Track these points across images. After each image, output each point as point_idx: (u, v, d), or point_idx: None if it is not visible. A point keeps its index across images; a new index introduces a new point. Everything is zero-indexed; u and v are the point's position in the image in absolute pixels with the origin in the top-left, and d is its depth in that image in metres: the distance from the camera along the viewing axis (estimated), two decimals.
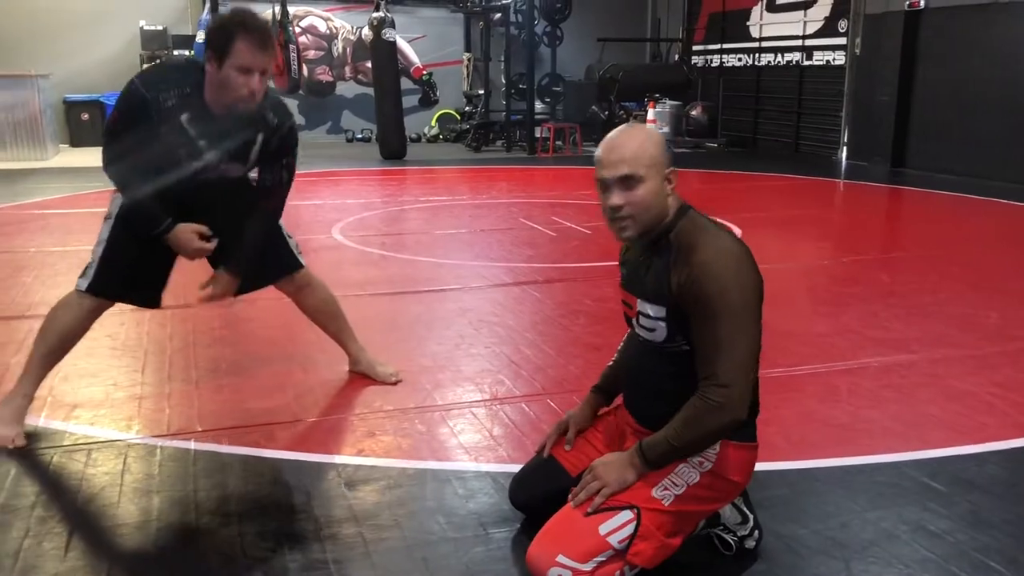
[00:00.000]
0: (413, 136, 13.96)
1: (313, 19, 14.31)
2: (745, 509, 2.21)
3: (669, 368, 2.06)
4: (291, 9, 12.88)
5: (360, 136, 14.51)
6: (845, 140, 11.94)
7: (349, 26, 14.46)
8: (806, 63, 12.58)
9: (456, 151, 13.37)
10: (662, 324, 2.02)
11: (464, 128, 14.38)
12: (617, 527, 1.95)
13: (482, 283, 5.08)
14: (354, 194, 8.99)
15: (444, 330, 4.15)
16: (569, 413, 2.37)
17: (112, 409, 3.14)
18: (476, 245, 6.23)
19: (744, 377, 1.93)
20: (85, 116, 12.68)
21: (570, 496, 2.03)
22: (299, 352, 3.73)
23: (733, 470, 2.05)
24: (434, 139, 14.95)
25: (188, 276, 3.13)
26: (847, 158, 11.81)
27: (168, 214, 2.75)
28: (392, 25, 11.71)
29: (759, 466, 2.66)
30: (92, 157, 11.18)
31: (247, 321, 4.19)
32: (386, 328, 4.11)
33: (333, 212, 7.49)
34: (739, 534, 2.19)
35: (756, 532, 2.21)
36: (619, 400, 2.33)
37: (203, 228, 2.79)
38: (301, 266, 3.20)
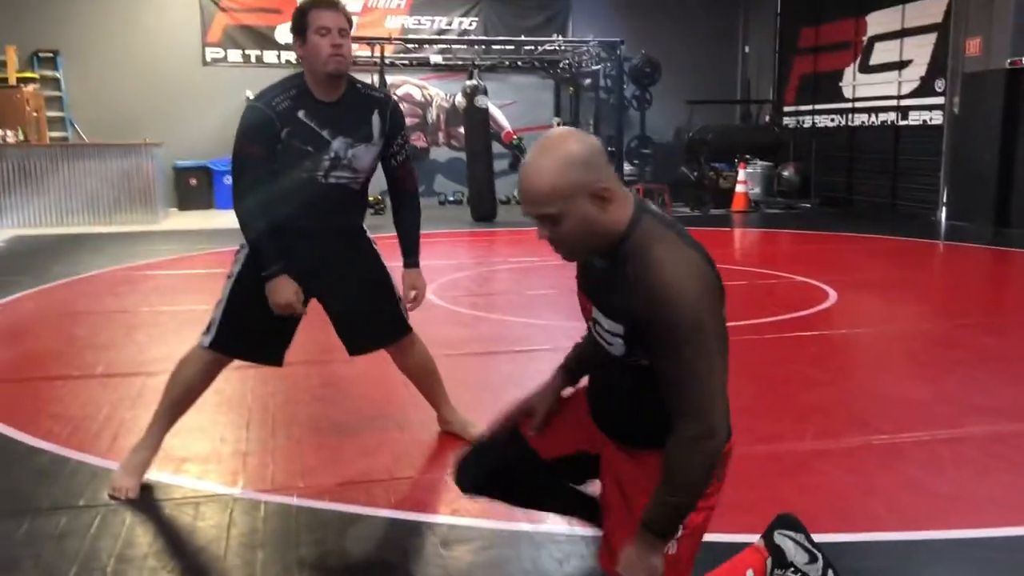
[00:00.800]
0: (503, 199, 14.19)
1: (409, 88, 14.80)
2: (811, 547, 2.15)
3: (630, 381, 1.95)
4: (388, 79, 13.38)
5: (452, 199, 14.84)
6: (944, 200, 11.63)
7: (443, 93, 14.90)
8: (901, 123, 12.37)
9: None
10: (619, 340, 1.89)
11: None
12: None
13: (572, 343, 5.09)
14: (446, 255, 9.18)
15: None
16: (536, 393, 2.22)
17: (219, 464, 3.27)
18: (566, 305, 6.26)
19: (719, 400, 1.81)
20: (193, 181, 13.35)
21: None
22: (395, 411, 3.82)
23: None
24: None
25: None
26: (947, 218, 11.48)
27: (290, 257, 2.89)
28: (485, 92, 12.05)
29: (861, 536, 2.61)
30: (199, 220, 11.81)
31: (345, 380, 4.30)
32: (478, 388, 4.17)
33: (426, 273, 7.59)
34: None
35: (831, 572, 2.14)
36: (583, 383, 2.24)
37: (300, 293, 2.90)
38: (409, 331, 3.29)
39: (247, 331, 2.98)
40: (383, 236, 3.34)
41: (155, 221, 11.71)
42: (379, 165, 3.10)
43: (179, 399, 3.03)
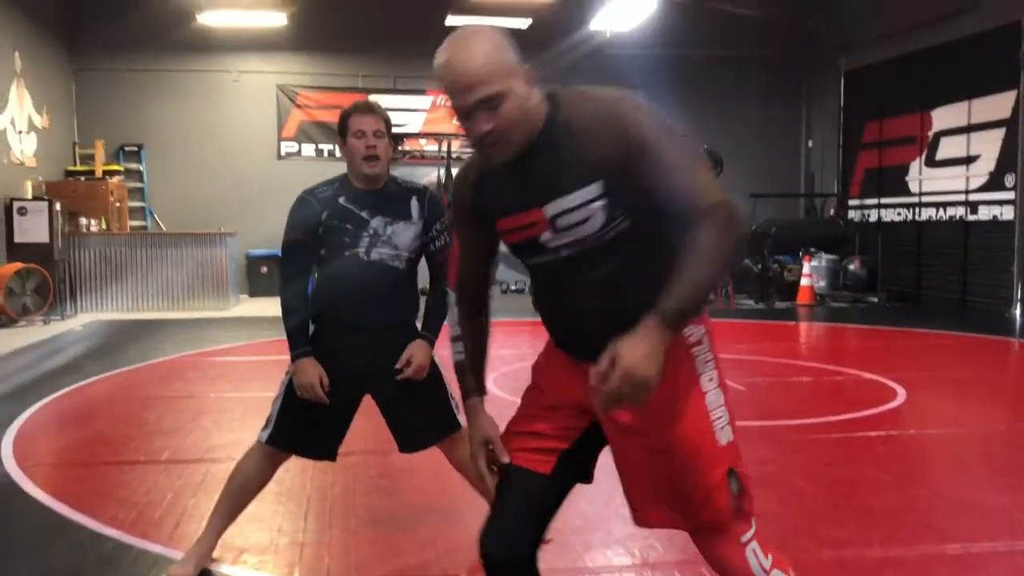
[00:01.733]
0: None
1: None
2: None
3: (612, 266, 1.84)
4: (455, 171, 13.73)
5: (514, 287, 14.97)
6: (1019, 296, 11.32)
7: None
8: (971, 218, 12.18)
9: None
10: (599, 204, 1.79)
11: None
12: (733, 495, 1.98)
13: None
14: (508, 344, 9.20)
15: (593, 487, 4.11)
16: (478, 427, 2.10)
17: (276, 555, 3.29)
18: None
19: (716, 186, 1.73)
20: (264, 269, 13.75)
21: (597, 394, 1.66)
22: (449, 505, 3.80)
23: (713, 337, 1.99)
24: None
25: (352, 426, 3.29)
26: (1022, 315, 11.16)
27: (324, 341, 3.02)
28: None
29: None
30: (268, 307, 12.09)
31: (403, 471, 4.31)
32: None
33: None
34: None
35: None
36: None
37: (324, 376, 2.97)
38: (460, 427, 3.30)
39: (301, 427, 3.05)
40: None
41: (226, 308, 12.05)
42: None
43: (238, 492, 3.10)
